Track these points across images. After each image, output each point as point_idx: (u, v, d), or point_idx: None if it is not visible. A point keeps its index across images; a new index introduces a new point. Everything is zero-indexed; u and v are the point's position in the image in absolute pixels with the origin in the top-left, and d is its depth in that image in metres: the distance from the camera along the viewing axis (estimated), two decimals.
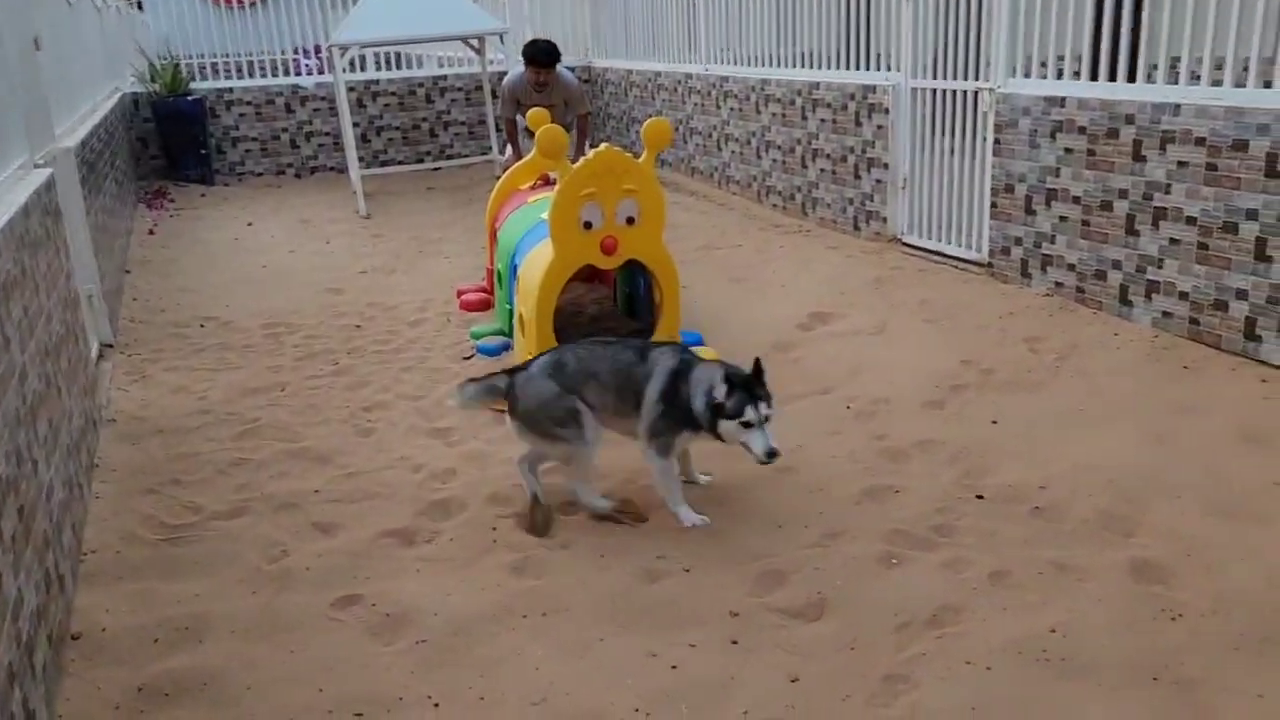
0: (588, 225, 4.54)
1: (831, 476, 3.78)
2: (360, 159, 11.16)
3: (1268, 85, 4.47)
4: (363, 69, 11.90)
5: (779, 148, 8.48)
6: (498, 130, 11.24)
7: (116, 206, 7.74)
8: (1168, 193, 4.84)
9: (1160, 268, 4.94)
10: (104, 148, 7.49)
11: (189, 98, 11.05)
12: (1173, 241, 4.85)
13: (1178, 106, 4.74)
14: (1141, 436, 3.88)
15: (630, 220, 4.61)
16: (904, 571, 3.12)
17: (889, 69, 7.03)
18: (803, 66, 8.07)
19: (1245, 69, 4.53)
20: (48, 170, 4.35)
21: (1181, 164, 4.74)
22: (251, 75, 11.68)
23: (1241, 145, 4.45)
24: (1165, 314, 4.94)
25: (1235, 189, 4.50)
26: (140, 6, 12.82)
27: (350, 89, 11.41)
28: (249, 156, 11.65)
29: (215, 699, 2.64)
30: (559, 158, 4.56)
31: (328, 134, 11.71)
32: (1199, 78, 4.74)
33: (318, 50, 11.86)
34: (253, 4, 12.20)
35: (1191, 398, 4.22)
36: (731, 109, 9.19)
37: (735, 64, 9.14)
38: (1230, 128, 4.49)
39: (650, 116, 10.63)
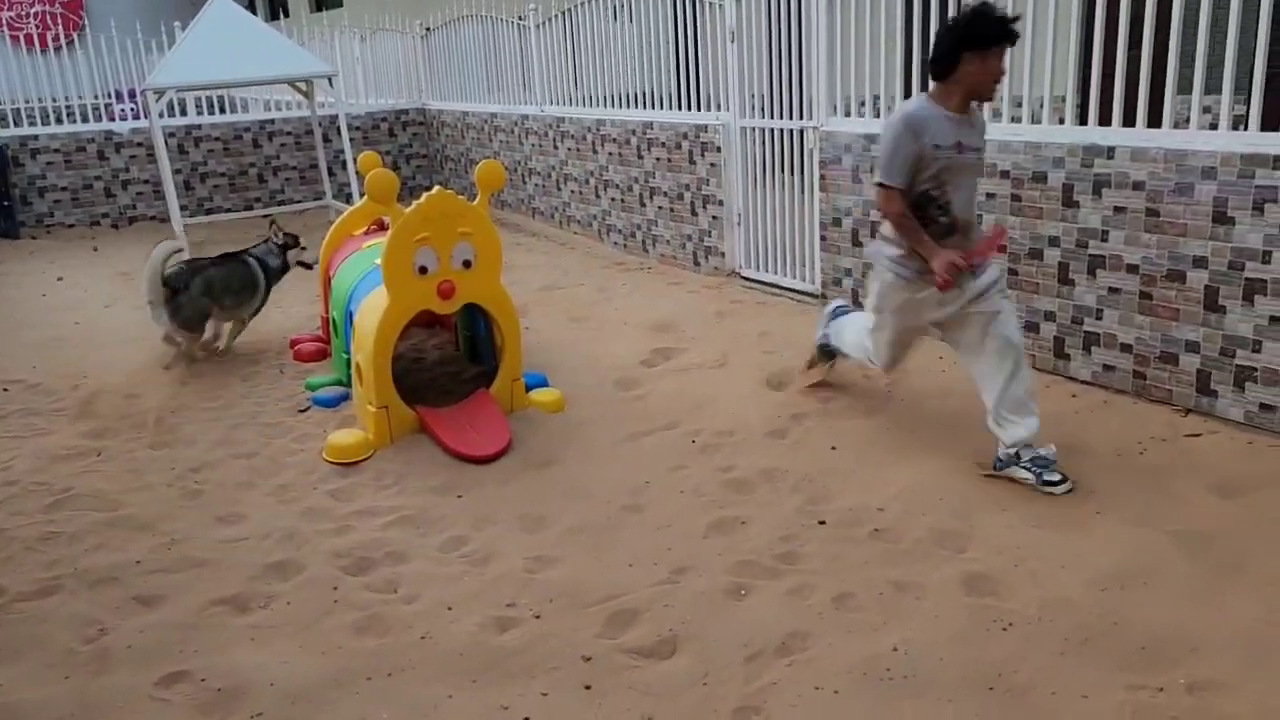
0: (423, 270, 4.47)
1: (679, 512, 3.80)
2: (184, 207, 10.70)
3: (1061, 122, 4.81)
4: (183, 113, 11.43)
5: (617, 186, 8.59)
6: (330, 175, 11.01)
7: None
8: (980, 223, 5.14)
9: None
10: None
11: None
12: None
13: None
14: (969, 454, 4.06)
15: (467, 264, 4.57)
16: (752, 602, 3.16)
17: (719, 109, 7.24)
18: (638, 106, 8.23)
19: (1041, 106, 4.87)
20: None
21: (990, 195, 5.04)
22: (60, 121, 11.03)
23: (1041, 177, 4.77)
24: None
25: (1038, 218, 4.82)
26: None
27: (171, 134, 10.94)
28: (58, 207, 10.97)
29: None
30: (389, 202, 4.48)
31: (147, 182, 11.17)
32: (1000, 114, 5.07)
33: (133, 94, 11.33)
34: (58, 47, 11.55)
35: None
36: (569, 149, 9.27)
37: (571, 105, 9.23)
38: (1030, 161, 4.81)
39: (488, 158, 10.58)
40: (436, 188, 4.56)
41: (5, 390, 5.54)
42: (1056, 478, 3.71)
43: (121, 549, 3.65)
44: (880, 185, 3.80)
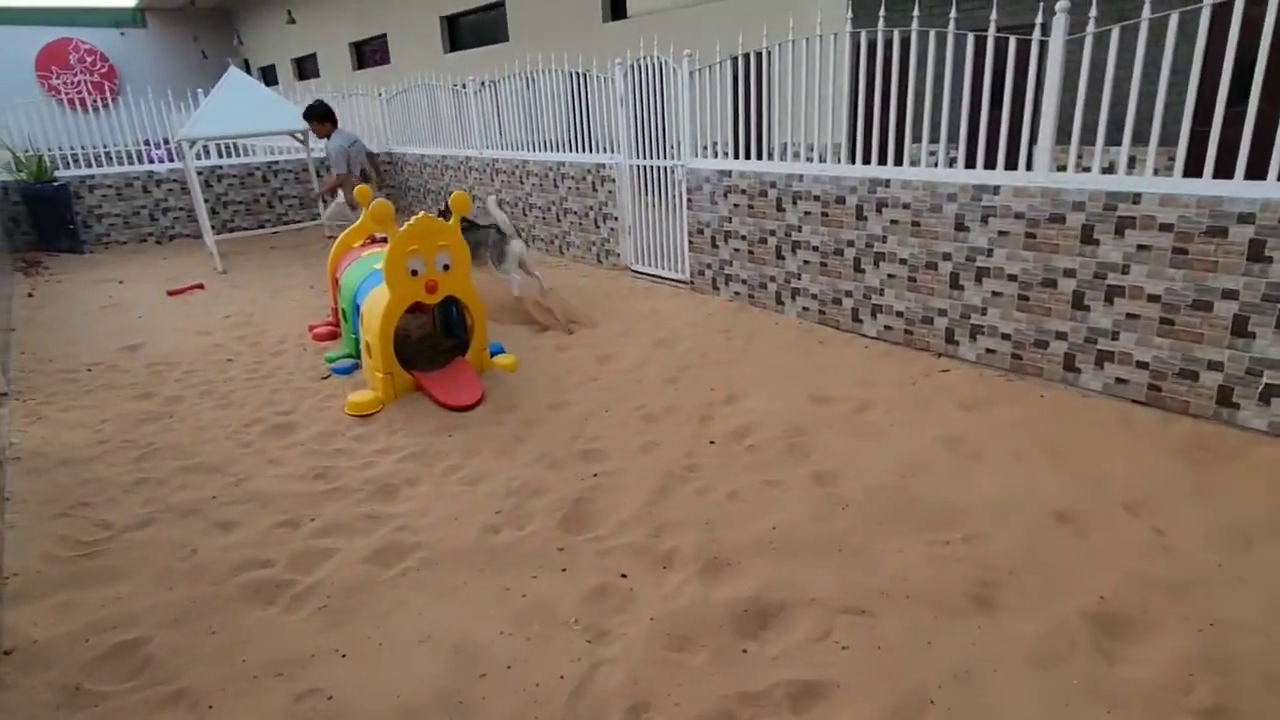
0: (414, 273, 4.25)
1: (613, 440, 3.74)
2: (212, 227, 9.88)
3: (853, 162, 4.88)
4: (207, 157, 10.51)
5: (539, 208, 8.35)
6: (323, 202, 10.33)
7: None
8: (800, 232, 5.20)
9: (800, 280, 5.31)
10: None
11: (54, 184, 9.27)
12: (805, 263, 5.23)
13: (802, 176, 5.09)
14: (803, 389, 4.14)
15: (446, 267, 4.36)
16: (670, 498, 3.14)
17: (614, 152, 7.09)
18: (552, 150, 7.98)
19: (835, 152, 4.92)
20: None
21: (808, 213, 5.10)
22: (110, 164, 9.98)
23: (840, 200, 4.85)
24: (805, 309, 5.32)
25: (840, 227, 4.91)
26: None
27: (199, 172, 10.06)
28: (113, 229, 9.96)
29: (153, 681, 2.22)
30: (389, 224, 4.23)
31: (181, 209, 10.24)
32: (811, 159, 5.11)
33: (165, 141, 10.34)
34: (95, 108, 10.38)
35: (827, 362, 4.56)
36: (502, 180, 8.94)
37: (500, 149, 8.89)
38: (834, 189, 4.88)
39: (439, 188, 10.11)
40: (421, 212, 4.31)
41: (89, 370, 5.03)
42: None
43: (200, 488, 3.38)
44: None
